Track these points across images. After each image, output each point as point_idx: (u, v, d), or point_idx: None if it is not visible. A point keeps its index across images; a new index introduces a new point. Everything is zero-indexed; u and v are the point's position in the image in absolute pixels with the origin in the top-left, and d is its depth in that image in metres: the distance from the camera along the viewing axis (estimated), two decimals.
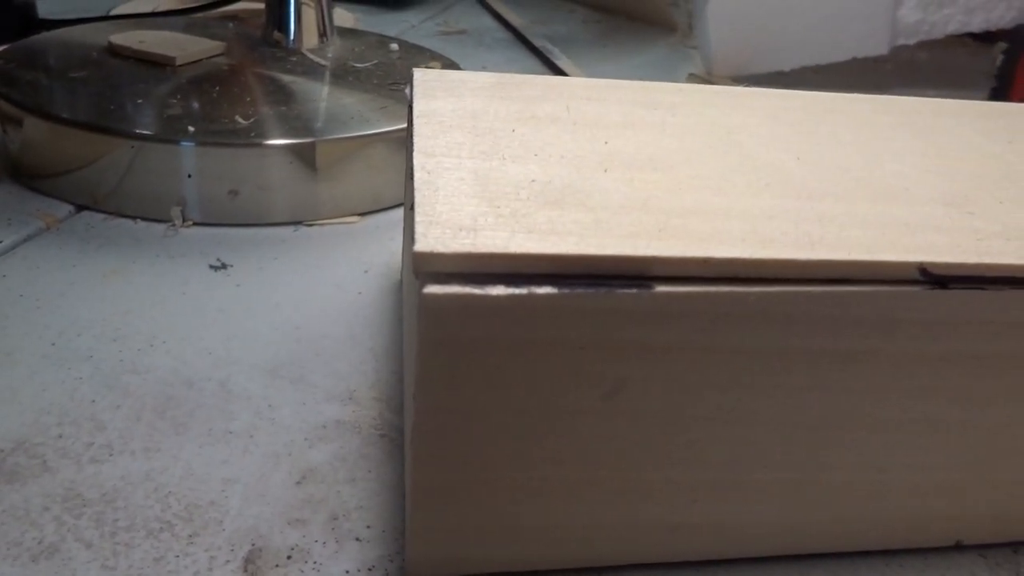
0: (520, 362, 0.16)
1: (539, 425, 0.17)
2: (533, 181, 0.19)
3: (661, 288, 0.16)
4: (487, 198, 0.18)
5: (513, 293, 0.16)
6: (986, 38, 0.63)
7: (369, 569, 0.19)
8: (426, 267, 0.16)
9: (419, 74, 0.25)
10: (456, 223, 0.17)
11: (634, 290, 0.16)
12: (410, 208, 0.20)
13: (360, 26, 0.69)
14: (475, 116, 0.22)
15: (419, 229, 0.16)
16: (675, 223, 0.17)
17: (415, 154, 0.20)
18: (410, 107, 0.24)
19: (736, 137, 0.23)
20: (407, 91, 0.25)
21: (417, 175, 0.19)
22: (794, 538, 0.21)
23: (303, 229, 0.35)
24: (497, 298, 0.16)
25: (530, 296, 0.16)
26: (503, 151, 0.20)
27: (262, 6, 0.48)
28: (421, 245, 0.16)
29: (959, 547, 0.22)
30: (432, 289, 0.15)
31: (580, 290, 0.16)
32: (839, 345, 0.18)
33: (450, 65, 0.47)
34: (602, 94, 0.25)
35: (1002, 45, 0.64)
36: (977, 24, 0.62)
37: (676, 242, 0.17)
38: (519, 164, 0.20)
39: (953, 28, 0.61)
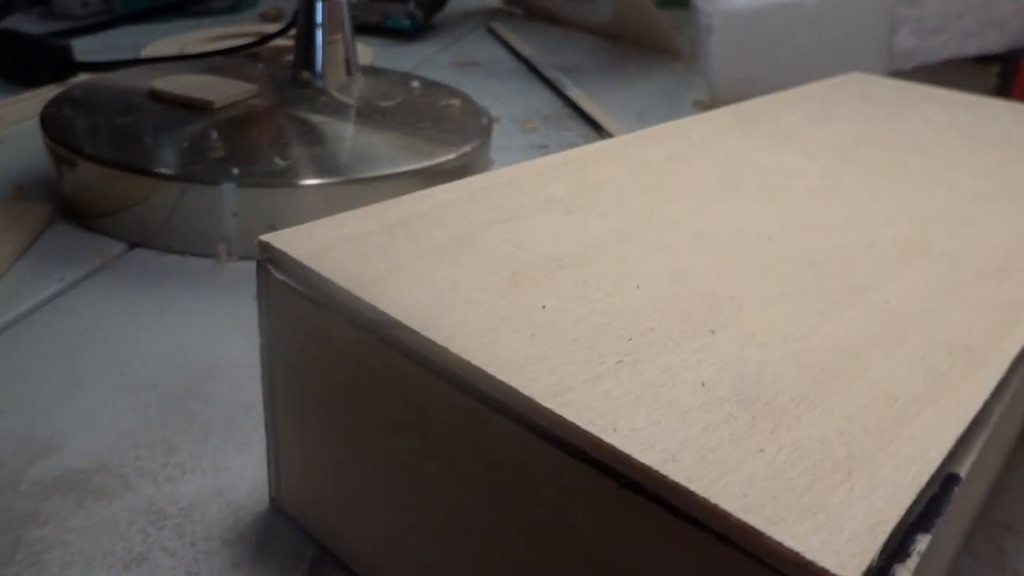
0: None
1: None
2: None
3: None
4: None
5: None
6: (981, 60, 0.66)
7: None
8: None
9: None
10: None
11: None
12: None
13: (378, 60, 0.72)
14: None
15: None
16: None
17: None
18: None
19: None
20: None
21: None
22: None
23: None
24: None
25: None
26: None
27: (286, 44, 0.51)
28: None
29: None
30: None
31: None
32: None
33: (467, 102, 0.50)
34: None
35: (996, 68, 0.67)
36: (971, 49, 0.64)
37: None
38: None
39: (948, 53, 0.64)
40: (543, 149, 0.54)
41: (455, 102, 0.49)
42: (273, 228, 0.38)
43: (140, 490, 0.24)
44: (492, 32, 0.88)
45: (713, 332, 0.17)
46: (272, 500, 0.24)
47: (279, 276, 0.20)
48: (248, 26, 0.79)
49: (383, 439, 0.19)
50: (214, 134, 0.41)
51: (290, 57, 0.50)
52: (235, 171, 0.37)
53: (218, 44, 0.63)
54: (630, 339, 0.17)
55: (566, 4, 0.90)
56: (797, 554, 0.12)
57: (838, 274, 0.21)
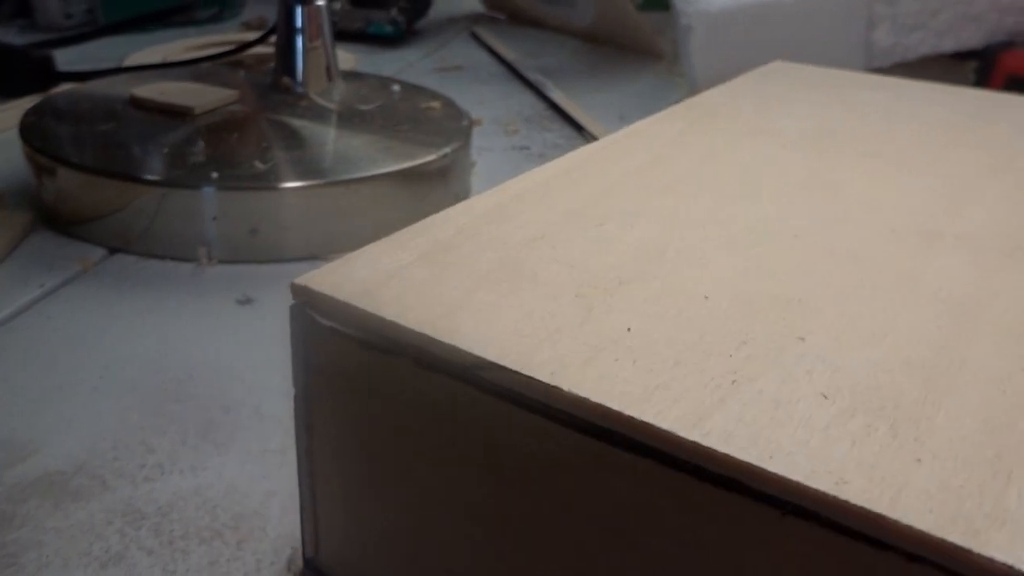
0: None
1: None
2: None
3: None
4: None
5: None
6: (958, 56, 0.67)
7: None
8: None
9: None
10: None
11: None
12: None
13: (360, 67, 0.73)
14: None
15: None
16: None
17: None
18: None
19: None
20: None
21: None
22: None
23: (318, 263, 0.38)
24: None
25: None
26: None
27: (268, 51, 0.51)
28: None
29: None
30: None
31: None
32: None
33: (448, 104, 0.50)
34: None
35: (973, 64, 0.67)
36: (948, 46, 0.65)
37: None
38: None
39: (925, 50, 0.65)
40: (525, 151, 0.55)
41: (435, 104, 0.49)
42: (255, 232, 0.39)
43: (118, 491, 0.24)
44: (475, 37, 0.88)
45: (803, 339, 0.17)
46: (308, 561, 0.21)
47: (325, 322, 0.18)
48: (231, 35, 0.79)
49: (465, 489, 0.17)
50: (194, 139, 0.41)
51: (272, 64, 0.50)
52: (214, 175, 0.37)
53: (201, 53, 0.63)
54: (730, 355, 0.16)
55: (548, 8, 0.91)
56: (1010, 567, 0.12)
57: (879, 267, 0.20)
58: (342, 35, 0.81)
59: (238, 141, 0.42)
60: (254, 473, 0.25)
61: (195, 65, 0.57)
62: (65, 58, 0.62)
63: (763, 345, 0.17)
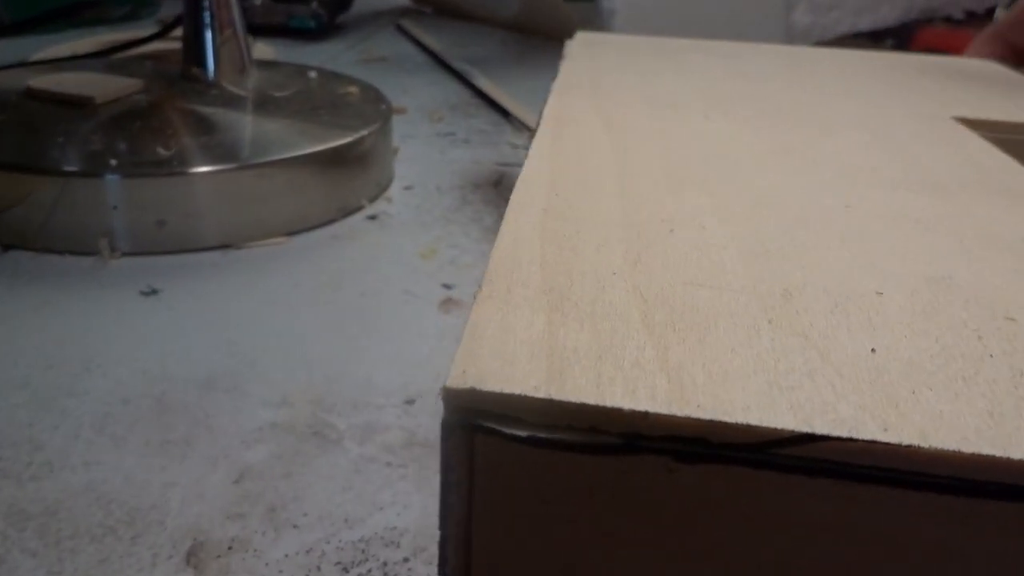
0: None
1: None
2: None
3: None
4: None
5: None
6: (875, 36, 0.68)
7: (307, 551, 0.21)
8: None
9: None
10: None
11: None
12: None
13: (279, 60, 0.70)
14: None
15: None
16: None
17: None
18: None
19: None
20: None
21: None
22: None
23: (232, 252, 0.37)
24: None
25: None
26: None
27: (178, 46, 0.49)
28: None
29: None
30: None
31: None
32: None
33: (368, 89, 0.49)
34: None
35: (889, 42, 0.68)
36: (865, 24, 0.66)
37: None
38: None
39: (843, 29, 0.65)
40: (450, 136, 0.54)
41: (353, 90, 0.48)
42: (162, 223, 0.37)
43: (0, 491, 0.22)
44: (401, 30, 0.87)
45: (1009, 321, 0.15)
46: None
47: (516, 431, 0.13)
48: (145, 33, 0.76)
49: None
50: (95, 129, 0.39)
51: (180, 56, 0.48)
52: (113, 162, 0.35)
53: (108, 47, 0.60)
54: (991, 356, 0.14)
55: (474, 0, 0.90)
56: None
57: (951, 230, 0.20)
58: (263, 29, 0.79)
59: (142, 129, 0.40)
60: (152, 465, 0.23)
61: (99, 59, 0.54)
62: None
63: (983, 339, 0.15)
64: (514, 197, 0.20)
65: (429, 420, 0.26)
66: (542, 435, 0.12)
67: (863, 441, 0.12)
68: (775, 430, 0.12)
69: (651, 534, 0.13)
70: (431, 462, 0.24)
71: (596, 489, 0.13)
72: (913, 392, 0.13)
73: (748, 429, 0.12)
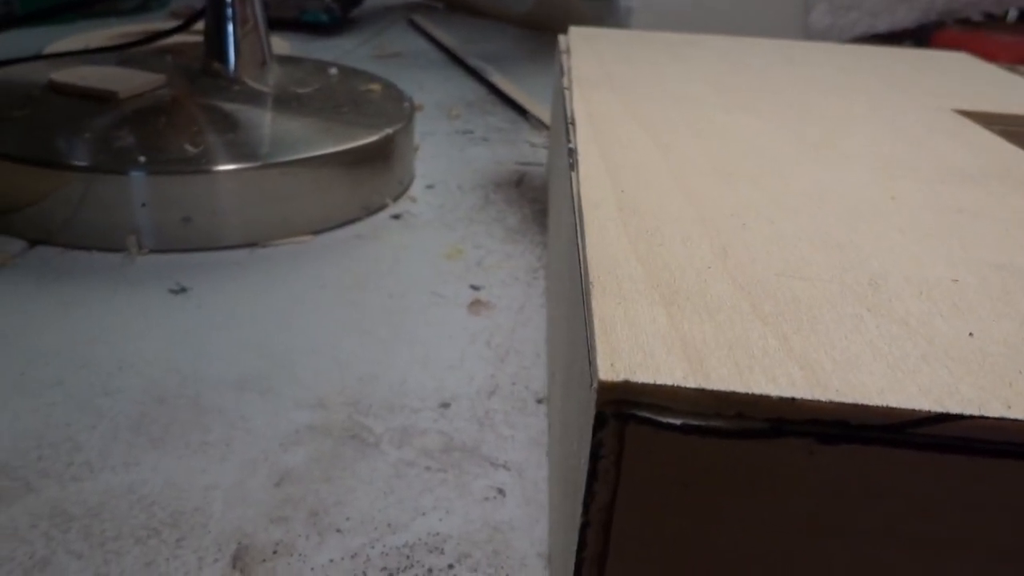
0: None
1: None
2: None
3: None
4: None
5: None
6: (893, 36, 0.68)
7: (352, 556, 0.21)
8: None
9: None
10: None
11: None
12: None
13: (294, 55, 0.70)
14: None
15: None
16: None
17: None
18: None
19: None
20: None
21: None
22: None
23: (258, 250, 0.37)
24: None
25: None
26: None
27: (197, 39, 0.49)
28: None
29: None
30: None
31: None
32: None
33: (388, 87, 0.48)
34: None
35: (908, 44, 0.68)
36: (883, 26, 0.66)
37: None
38: None
39: (861, 30, 0.65)
40: (469, 134, 0.53)
41: (375, 87, 0.48)
42: (187, 219, 0.37)
43: (43, 492, 0.22)
44: (413, 25, 0.87)
45: None
46: None
47: (672, 420, 0.13)
48: (158, 25, 0.76)
49: None
50: (120, 124, 0.39)
51: (201, 50, 0.48)
52: (142, 159, 0.35)
53: (125, 41, 0.60)
54: None
55: None
56: None
57: (995, 219, 0.20)
58: (276, 23, 0.79)
59: (167, 125, 0.40)
60: (192, 467, 0.23)
61: (118, 52, 0.54)
62: None
63: None
64: (584, 195, 0.20)
65: (465, 424, 0.26)
66: (694, 422, 0.13)
67: (993, 419, 0.13)
68: (911, 411, 0.13)
69: (792, 513, 0.14)
70: (470, 467, 0.24)
71: (740, 472, 0.13)
72: (1020, 372, 0.14)
73: (887, 411, 0.13)
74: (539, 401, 0.27)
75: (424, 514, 0.22)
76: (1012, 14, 0.74)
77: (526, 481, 0.24)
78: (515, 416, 0.26)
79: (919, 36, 0.66)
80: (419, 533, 0.21)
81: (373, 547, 0.21)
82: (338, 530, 0.21)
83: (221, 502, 0.22)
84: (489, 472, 0.24)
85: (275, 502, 0.22)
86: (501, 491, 0.23)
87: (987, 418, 0.13)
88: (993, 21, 0.69)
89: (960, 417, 0.13)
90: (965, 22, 0.67)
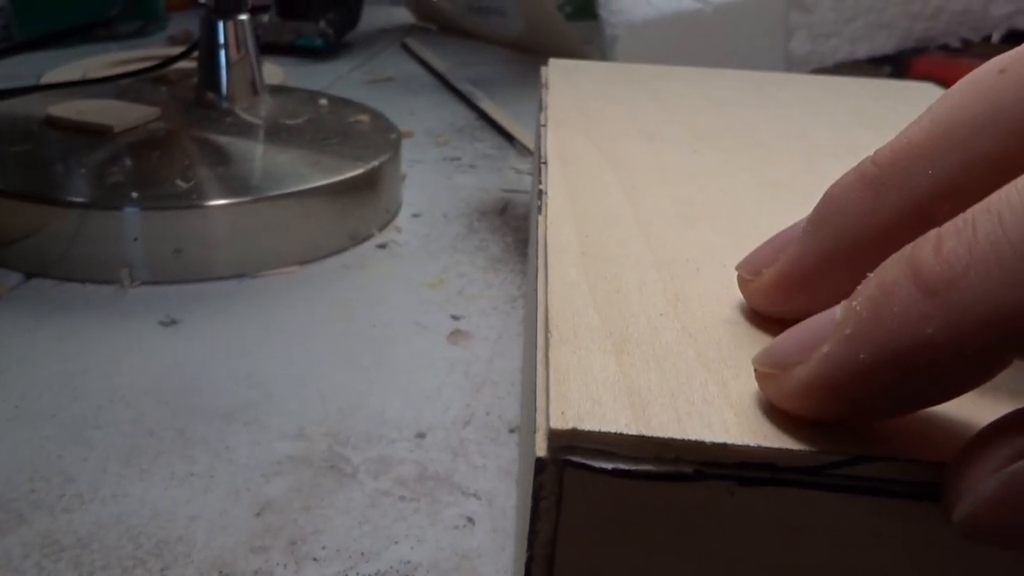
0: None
1: None
2: None
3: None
4: None
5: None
6: (873, 62, 0.69)
7: None
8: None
9: None
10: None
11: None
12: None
13: (289, 80, 0.72)
14: None
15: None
16: None
17: None
18: None
19: None
20: None
21: None
22: None
23: (247, 281, 0.38)
24: None
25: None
26: None
27: (192, 66, 0.50)
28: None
29: None
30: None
31: None
32: None
33: (376, 117, 0.50)
34: None
35: (887, 69, 0.70)
36: (863, 52, 0.67)
37: None
38: None
39: (841, 56, 0.67)
40: (456, 161, 0.55)
41: (363, 118, 0.49)
42: (179, 251, 0.38)
43: (34, 523, 0.23)
44: (406, 48, 0.88)
45: None
46: None
47: (604, 464, 0.14)
48: (156, 50, 0.78)
49: None
50: (114, 159, 0.40)
51: (195, 79, 0.49)
52: (135, 195, 0.37)
53: (123, 69, 0.62)
54: None
55: (478, 18, 0.91)
56: None
57: None
58: (271, 48, 0.80)
59: (160, 159, 0.41)
60: (178, 497, 0.25)
61: (116, 82, 0.56)
62: None
63: None
64: (550, 240, 0.22)
65: (439, 454, 0.27)
66: (624, 467, 0.15)
67: (903, 460, 0.14)
68: (829, 453, 0.14)
69: (718, 550, 0.15)
70: (442, 496, 0.25)
71: (669, 511, 0.15)
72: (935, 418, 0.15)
73: (810, 454, 0.14)
74: (511, 430, 0.28)
75: (396, 542, 0.23)
76: (996, 36, 0.75)
77: (495, 509, 0.25)
78: (487, 446, 0.28)
79: (898, 62, 0.67)
80: (391, 561, 0.23)
81: (347, 575, 0.22)
82: (314, 559, 0.23)
83: (204, 532, 0.23)
84: (460, 501, 0.25)
85: (255, 531, 0.23)
86: (471, 519, 0.24)
87: (898, 459, 0.14)
88: (973, 47, 0.70)
89: (872, 459, 0.14)
90: (944, 48, 0.69)
